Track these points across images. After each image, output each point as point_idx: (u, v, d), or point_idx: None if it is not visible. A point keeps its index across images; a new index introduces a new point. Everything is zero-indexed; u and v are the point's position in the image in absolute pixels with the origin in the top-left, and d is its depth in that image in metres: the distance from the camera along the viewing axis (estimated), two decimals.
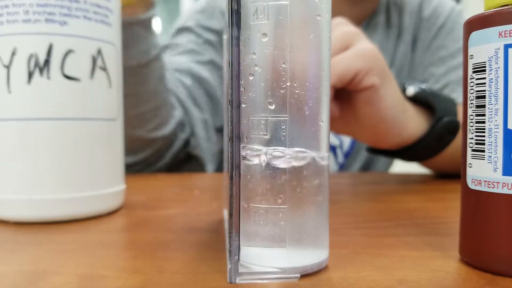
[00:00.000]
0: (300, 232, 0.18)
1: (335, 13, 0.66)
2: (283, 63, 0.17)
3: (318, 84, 0.18)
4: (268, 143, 0.17)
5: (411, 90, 0.42)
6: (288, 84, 0.17)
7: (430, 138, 0.42)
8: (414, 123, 0.41)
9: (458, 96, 0.58)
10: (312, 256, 0.18)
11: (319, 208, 0.18)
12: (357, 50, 0.37)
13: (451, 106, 0.43)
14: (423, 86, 0.45)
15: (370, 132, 0.41)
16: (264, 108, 0.17)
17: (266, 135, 0.17)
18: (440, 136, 0.42)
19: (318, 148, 0.18)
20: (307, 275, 0.18)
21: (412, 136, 0.41)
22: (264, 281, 0.17)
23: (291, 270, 0.18)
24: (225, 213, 0.28)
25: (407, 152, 0.43)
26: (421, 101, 0.43)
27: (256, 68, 0.17)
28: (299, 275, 0.18)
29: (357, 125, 0.41)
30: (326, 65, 0.18)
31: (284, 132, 0.17)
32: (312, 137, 0.18)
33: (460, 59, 0.61)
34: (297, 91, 0.17)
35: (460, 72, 0.60)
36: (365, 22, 0.67)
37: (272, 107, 0.17)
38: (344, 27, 0.38)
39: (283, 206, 0.17)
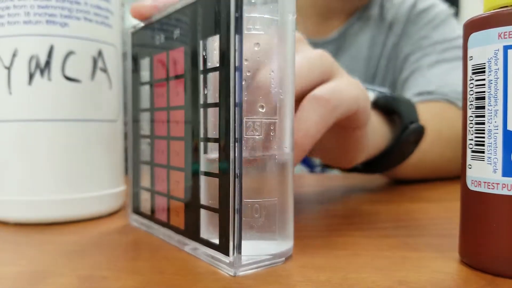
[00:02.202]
0: (284, 220, 0.20)
1: (325, 7, 0.67)
2: (272, 71, 0.19)
3: (292, 90, 0.20)
4: (261, 143, 0.19)
5: (370, 95, 0.38)
6: (276, 89, 0.19)
7: (396, 147, 0.39)
8: (380, 137, 0.37)
9: (422, 82, 0.57)
10: (290, 241, 0.20)
11: (291, 198, 0.20)
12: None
13: (413, 110, 0.40)
14: (379, 89, 0.42)
15: (332, 157, 0.36)
16: (256, 110, 0.19)
17: (260, 135, 0.19)
18: (406, 144, 0.39)
19: (292, 146, 0.20)
20: (306, 276, 0.18)
21: (377, 150, 0.38)
22: (259, 269, 0.19)
23: (279, 255, 0.20)
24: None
25: (368, 166, 0.40)
26: (381, 106, 0.39)
27: (248, 74, 0.18)
28: (283, 259, 0.20)
29: (318, 151, 0.35)
30: (293, 75, 0.20)
31: (273, 132, 0.19)
32: (291, 137, 0.20)
33: (438, 48, 0.61)
34: (281, 97, 0.19)
35: (432, 58, 0.60)
36: (357, 14, 0.67)
37: (263, 110, 0.19)
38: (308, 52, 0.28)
39: (274, 199, 0.19)
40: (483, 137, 0.18)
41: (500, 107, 0.17)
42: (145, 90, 0.27)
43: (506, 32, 0.17)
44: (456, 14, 0.69)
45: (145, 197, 0.27)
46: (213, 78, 0.19)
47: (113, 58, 0.31)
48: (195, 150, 0.21)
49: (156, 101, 0.25)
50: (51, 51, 0.28)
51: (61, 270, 0.20)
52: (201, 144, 0.20)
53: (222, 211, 0.19)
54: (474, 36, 0.19)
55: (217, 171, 0.19)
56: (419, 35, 0.64)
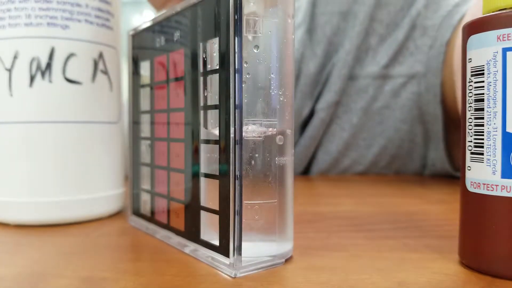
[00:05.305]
0: (284, 222, 0.20)
1: None
2: (272, 73, 0.19)
3: (292, 93, 0.20)
4: (262, 144, 0.19)
5: None
6: (275, 91, 0.19)
7: None
8: None
9: None
10: (290, 242, 0.21)
11: (291, 200, 0.21)
12: None
13: None
14: None
15: None
16: (256, 112, 0.19)
17: (261, 137, 0.19)
18: None
19: (292, 147, 0.20)
20: (306, 277, 0.18)
21: None
22: (259, 270, 0.19)
23: (279, 256, 0.20)
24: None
25: None
26: None
27: (248, 76, 0.19)
28: (283, 260, 0.20)
29: None
30: (292, 77, 0.20)
31: (274, 133, 0.19)
32: (291, 140, 0.20)
33: None
34: (281, 99, 0.19)
35: None
36: None
37: (264, 111, 0.19)
38: None
39: (274, 200, 0.19)
40: (482, 139, 0.18)
41: (499, 109, 0.18)
42: (145, 92, 0.27)
43: (505, 34, 0.17)
44: None
45: (145, 198, 0.27)
46: (213, 80, 0.20)
47: (113, 60, 0.31)
48: (195, 152, 0.21)
49: (157, 103, 0.25)
50: (52, 53, 0.28)
51: (61, 272, 0.20)
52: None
53: (222, 212, 0.19)
54: (473, 38, 0.19)
55: (217, 173, 0.19)
56: None
